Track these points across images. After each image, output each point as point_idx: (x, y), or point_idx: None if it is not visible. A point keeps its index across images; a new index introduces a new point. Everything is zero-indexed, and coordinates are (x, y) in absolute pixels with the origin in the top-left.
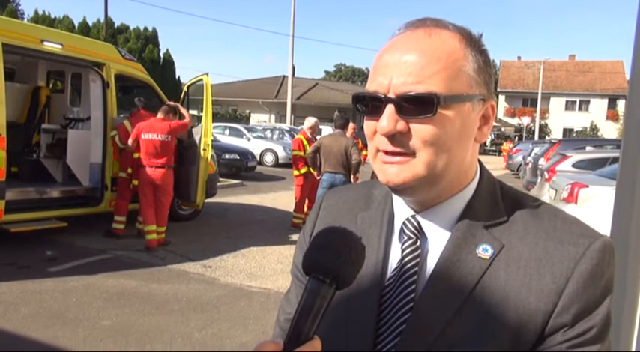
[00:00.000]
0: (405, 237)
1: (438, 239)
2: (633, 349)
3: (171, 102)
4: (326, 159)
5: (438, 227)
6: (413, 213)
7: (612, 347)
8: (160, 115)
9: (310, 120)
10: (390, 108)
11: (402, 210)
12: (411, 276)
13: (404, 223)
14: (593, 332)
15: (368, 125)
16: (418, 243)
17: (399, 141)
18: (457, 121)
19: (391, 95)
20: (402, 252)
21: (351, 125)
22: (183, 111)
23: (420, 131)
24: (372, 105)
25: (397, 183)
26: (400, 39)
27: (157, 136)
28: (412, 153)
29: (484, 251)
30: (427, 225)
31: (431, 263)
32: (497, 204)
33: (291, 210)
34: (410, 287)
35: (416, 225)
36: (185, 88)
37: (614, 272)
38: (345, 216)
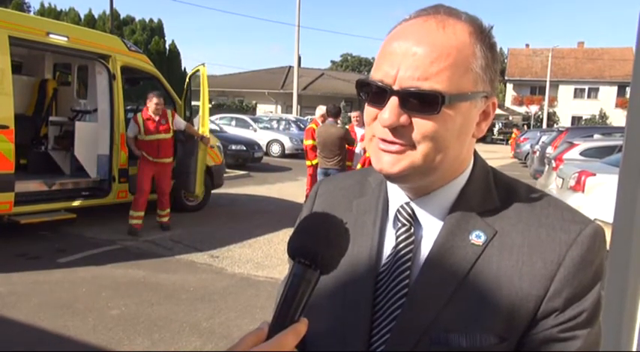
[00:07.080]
0: (400, 224)
1: (431, 226)
2: (634, 348)
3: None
4: (321, 150)
5: (432, 214)
6: (407, 200)
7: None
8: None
9: (322, 109)
10: (393, 101)
11: (396, 196)
12: (405, 263)
13: (398, 210)
14: (583, 317)
15: (368, 111)
16: (412, 230)
17: (400, 132)
18: (458, 119)
19: (396, 87)
20: (397, 238)
21: (354, 114)
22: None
23: (422, 126)
24: (375, 93)
25: (392, 172)
26: (411, 27)
27: None
28: (411, 145)
29: (477, 237)
30: (421, 212)
31: (425, 249)
32: (490, 191)
33: (298, 201)
34: (404, 273)
35: (410, 211)
36: (187, 80)
37: (604, 258)
38: (340, 203)
